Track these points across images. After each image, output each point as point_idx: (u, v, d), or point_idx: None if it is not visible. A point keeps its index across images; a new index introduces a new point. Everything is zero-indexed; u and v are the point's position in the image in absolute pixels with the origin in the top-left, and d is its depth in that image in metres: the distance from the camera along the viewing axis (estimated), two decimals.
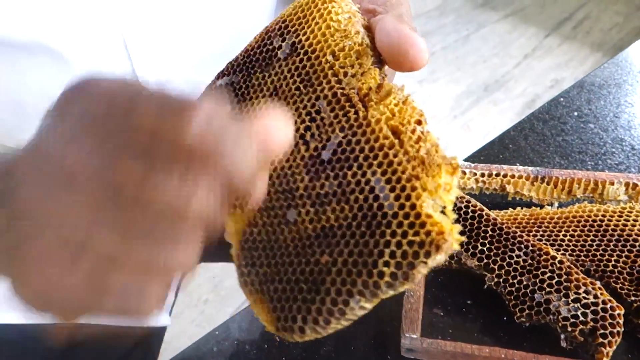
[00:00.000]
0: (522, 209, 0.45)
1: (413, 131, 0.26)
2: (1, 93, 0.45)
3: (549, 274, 0.38)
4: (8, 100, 0.45)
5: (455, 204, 0.43)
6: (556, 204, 0.46)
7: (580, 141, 0.53)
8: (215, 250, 0.66)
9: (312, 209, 0.27)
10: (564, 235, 0.42)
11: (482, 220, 0.41)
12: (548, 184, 0.46)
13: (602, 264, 0.40)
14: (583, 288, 0.37)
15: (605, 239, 0.41)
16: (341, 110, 0.28)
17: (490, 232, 0.41)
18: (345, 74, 0.29)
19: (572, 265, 0.38)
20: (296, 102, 0.30)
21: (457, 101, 1.91)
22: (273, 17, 0.60)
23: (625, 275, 0.39)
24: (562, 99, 0.58)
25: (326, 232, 0.26)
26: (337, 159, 0.27)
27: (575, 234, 0.42)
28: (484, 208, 0.42)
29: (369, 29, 0.31)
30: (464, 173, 0.47)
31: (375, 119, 0.27)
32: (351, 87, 0.29)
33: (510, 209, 0.45)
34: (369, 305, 0.25)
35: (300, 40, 0.31)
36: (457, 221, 0.40)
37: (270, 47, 0.32)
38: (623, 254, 0.40)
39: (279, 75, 0.31)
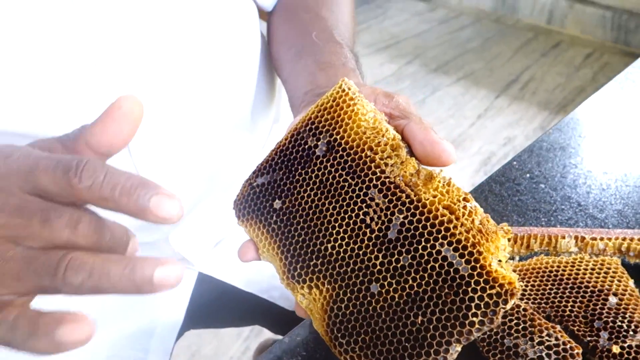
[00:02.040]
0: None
1: (464, 207, 0.32)
2: None
3: (515, 321, 0.43)
4: None
5: None
6: (517, 258, 0.52)
7: (534, 200, 0.60)
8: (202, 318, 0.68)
9: (392, 280, 0.33)
10: (526, 286, 0.48)
11: None
12: (509, 240, 0.52)
13: (560, 309, 0.45)
14: (546, 332, 0.42)
15: (561, 287, 0.47)
16: (393, 195, 0.34)
17: None
18: (387, 165, 0.35)
19: (535, 312, 0.44)
20: (348, 192, 0.35)
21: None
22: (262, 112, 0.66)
23: (580, 318, 0.45)
24: (515, 163, 0.65)
25: (413, 298, 0.32)
26: (403, 236, 0.33)
27: (535, 284, 0.48)
28: None
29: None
30: None
31: (430, 201, 0.33)
32: (395, 176, 0.34)
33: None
34: (460, 348, 0.31)
35: (336, 139, 0.36)
36: None
37: (306, 147, 0.37)
38: (577, 300, 0.46)
39: (322, 171, 0.36)
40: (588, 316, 0.45)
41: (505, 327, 0.43)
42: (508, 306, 0.30)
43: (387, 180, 0.34)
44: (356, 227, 0.35)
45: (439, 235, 0.32)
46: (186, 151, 0.56)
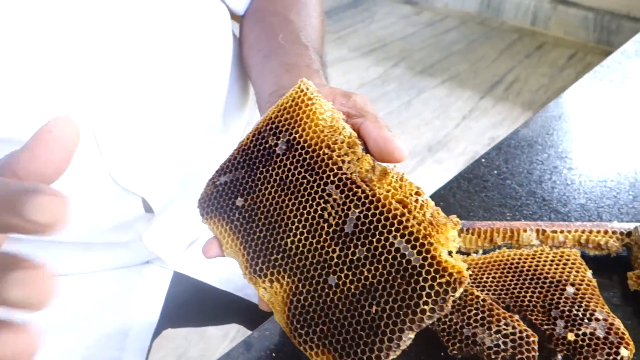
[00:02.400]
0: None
1: (416, 201, 0.34)
2: None
3: (474, 311, 0.44)
4: None
5: None
6: (480, 251, 0.53)
7: (500, 196, 0.61)
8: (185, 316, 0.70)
9: (349, 272, 0.34)
10: (487, 278, 0.49)
11: None
12: (472, 234, 0.53)
13: (519, 300, 0.47)
14: (503, 321, 0.43)
15: (521, 278, 0.48)
16: (349, 191, 0.35)
17: None
18: (343, 162, 0.36)
19: (494, 303, 0.45)
20: (307, 189, 0.36)
21: (403, 162, 2.02)
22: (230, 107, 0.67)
23: (538, 308, 0.46)
24: (483, 160, 0.67)
25: (368, 288, 0.33)
26: (359, 230, 0.34)
27: (497, 275, 0.49)
28: None
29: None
30: None
31: (384, 195, 0.34)
32: (352, 172, 0.36)
33: None
34: (413, 335, 0.33)
35: (295, 138, 0.38)
36: None
37: (267, 145, 0.39)
38: (536, 290, 0.47)
39: (282, 168, 0.38)
40: (546, 306, 0.46)
41: (465, 317, 0.44)
42: (457, 294, 0.31)
43: (344, 176, 0.36)
44: (314, 222, 0.36)
45: (392, 228, 0.33)
46: (159, 152, 0.57)
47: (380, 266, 0.33)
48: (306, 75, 0.51)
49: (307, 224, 0.36)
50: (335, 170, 0.36)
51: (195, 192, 0.63)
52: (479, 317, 0.44)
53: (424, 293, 0.32)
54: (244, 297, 0.67)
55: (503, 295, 0.47)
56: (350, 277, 0.34)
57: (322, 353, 0.35)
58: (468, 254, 0.53)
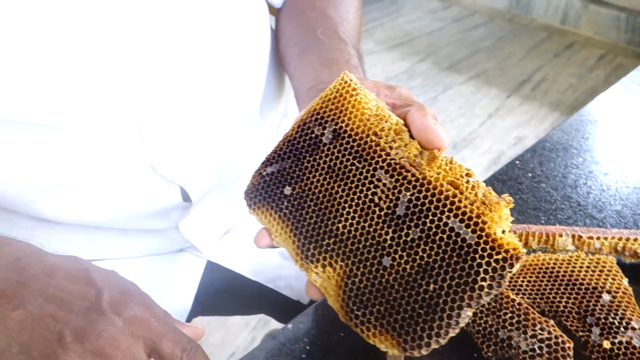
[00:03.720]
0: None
1: (467, 182, 0.35)
2: (19, 167, 0.51)
3: (510, 315, 0.44)
4: (25, 174, 0.51)
5: None
6: None
7: (535, 199, 0.61)
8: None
9: (404, 253, 0.35)
10: (522, 281, 0.49)
11: None
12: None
13: (554, 305, 0.47)
14: (539, 326, 0.43)
15: (556, 283, 0.48)
16: (399, 175, 0.36)
17: None
18: (391, 148, 0.37)
19: (530, 307, 0.45)
20: (356, 175, 0.37)
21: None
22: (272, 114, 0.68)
23: (573, 314, 0.46)
24: (517, 162, 0.67)
25: (424, 267, 0.34)
26: (412, 212, 0.35)
27: (532, 279, 0.49)
28: None
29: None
30: None
31: (434, 178, 0.35)
32: (400, 157, 0.36)
33: None
34: (471, 313, 0.33)
35: (341, 127, 0.38)
36: None
37: (313, 135, 0.39)
38: (571, 296, 0.47)
39: (330, 157, 0.38)
40: (581, 312, 0.46)
41: (500, 320, 0.44)
42: (514, 270, 0.32)
43: (393, 161, 0.36)
44: (365, 206, 0.37)
45: (445, 209, 0.34)
46: (198, 142, 0.58)
47: (435, 246, 0.34)
48: (346, 70, 0.52)
49: (358, 208, 0.37)
50: (384, 156, 0.37)
51: (231, 182, 0.64)
52: (514, 321, 0.44)
53: (481, 270, 0.32)
54: (274, 288, 0.68)
55: (538, 300, 0.48)
56: (405, 258, 0.35)
57: (379, 334, 0.35)
58: None
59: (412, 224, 0.35)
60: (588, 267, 0.49)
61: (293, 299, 0.69)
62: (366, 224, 0.37)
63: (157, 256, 0.64)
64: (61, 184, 0.53)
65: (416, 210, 0.35)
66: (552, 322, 0.44)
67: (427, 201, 0.35)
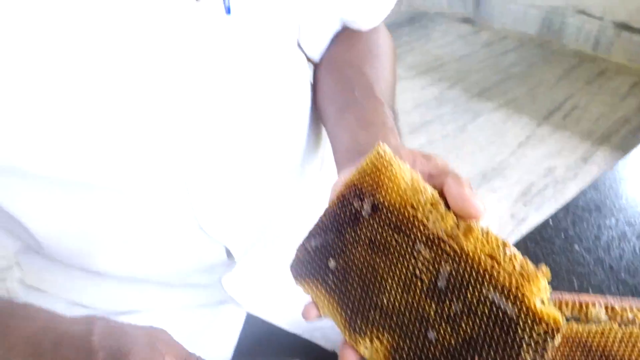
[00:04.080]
0: None
1: (505, 253, 0.35)
2: (75, 224, 0.54)
3: None
4: (80, 230, 0.55)
5: None
6: None
7: (567, 262, 0.62)
8: None
9: (447, 326, 0.36)
10: (556, 354, 0.50)
11: None
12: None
13: None
14: None
15: (589, 356, 0.50)
16: (438, 248, 0.37)
17: None
18: (428, 220, 0.37)
19: None
20: (396, 248, 0.38)
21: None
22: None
23: None
24: (550, 221, 0.68)
25: (469, 342, 0.35)
26: (452, 285, 0.36)
27: (565, 352, 0.51)
28: None
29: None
30: None
31: (472, 250, 0.36)
32: (437, 229, 0.37)
33: None
34: None
35: (379, 200, 0.39)
36: None
37: (352, 209, 0.40)
38: None
39: (370, 230, 0.39)
40: None
41: None
42: (556, 342, 0.33)
43: (431, 234, 0.37)
44: (407, 279, 0.37)
45: (485, 282, 0.35)
46: (243, 201, 0.61)
47: (477, 319, 0.35)
48: (382, 133, 0.53)
49: (401, 282, 0.38)
50: (422, 229, 0.37)
51: (273, 238, 0.67)
52: None
53: (524, 343, 0.33)
54: (309, 339, 0.70)
55: None
56: (449, 331, 0.36)
57: None
58: None
59: (454, 297, 0.36)
60: (621, 340, 0.50)
61: (328, 349, 0.71)
62: (409, 297, 0.37)
63: (199, 308, 0.67)
64: (113, 240, 0.57)
65: (457, 283, 0.36)
66: None
67: (466, 274, 0.35)
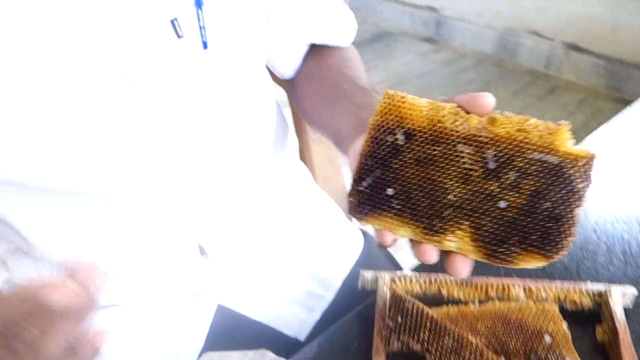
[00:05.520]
0: (452, 306, 0.63)
1: (529, 124, 0.43)
2: (68, 228, 0.62)
3: (469, 354, 0.55)
4: (73, 234, 0.62)
5: (404, 305, 0.60)
6: (477, 302, 0.64)
7: None
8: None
9: (512, 192, 0.43)
10: (480, 326, 0.60)
11: (423, 316, 0.59)
12: (471, 288, 0.64)
13: (504, 345, 0.57)
14: None
15: (508, 327, 0.59)
16: (475, 142, 0.44)
17: (429, 325, 0.58)
18: (457, 126, 0.44)
19: (485, 347, 0.56)
20: (442, 157, 0.45)
21: None
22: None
23: (521, 353, 0.57)
24: None
25: (534, 194, 0.43)
26: (501, 162, 0.43)
27: (489, 324, 0.60)
28: (425, 307, 0.60)
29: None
30: (411, 280, 0.65)
31: (504, 132, 0.43)
32: (468, 129, 0.44)
33: (444, 307, 0.63)
34: (580, 211, 0.42)
35: (410, 127, 0.45)
36: (404, 317, 0.58)
37: (388, 143, 0.46)
38: (519, 338, 0.58)
39: (413, 152, 0.45)
40: (527, 351, 0.57)
41: (460, 358, 0.55)
42: (594, 164, 0.41)
43: (464, 135, 0.44)
44: (463, 175, 0.44)
45: (525, 148, 0.42)
46: (214, 198, 0.68)
47: (532, 177, 0.42)
48: None
49: (459, 179, 0.44)
50: (456, 134, 0.44)
51: (241, 237, 0.75)
52: (472, 359, 0.55)
53: (573, 177, 0.41)
54: (274, 327, 0.78)
55: (493, 341, 0.58)
56: (516, 195, 0.43)
57: (525, 256, 0.44)
58: (466, 304, 0.64)
59: (507, 170, 0.43)
60: (535, 314, 0.60)
61: (291, 336, 0.79)
62: (472, 186, 0.44)
63: (173, 301, 0.75)
64: (98, 240, 0.64)
65: (504, 159, 0.43)
66: (502, 359, 0.55)
67: (508, 149, 0.42)
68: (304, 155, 0.99)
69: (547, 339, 0.57)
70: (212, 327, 0.75)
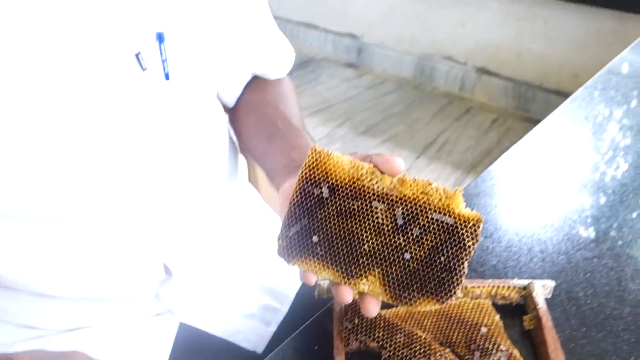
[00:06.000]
0: (401, 306, 0.71)
1: (432, 188, 0.50)
2: (29, 254, 0.64)
3: (418, 347, 0.62)
4: (34, 259, 0.64)
5: (359, 307, 0.67)
6: None
7: None
8: None
9: (415, 245, 0.50)
10: (427, 322, 0.67)
11: (377, 317, 0.66)
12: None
13: (448, 337, 0.65)
14: (439, 353, 0.62)
15: (450, 322, 0.67)
16: (387, 200, 0.50)
17: (382, 324, 0.65)
18: (372, 184, 0.51)
19: (432, 340, 0.63)
20: (359, 210, 0.51)
21: None
22: None
23: (462, 343, 0.65)
24: None
25: (432, 249, 0.50)
26: (408, 219, 0.50)
27: (434, 320, 0.67)
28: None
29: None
30: None
31: (411, 193, 0.50)
32: (382, 188, 0.50)
33: (394, 308, 0.70)
34: (467, 265, 0.50)
35: (333, 182, 0.51)
36: (360, 318, 0.65)
37: (314, 195, 0.52)
38: (460, 331, 0.66)
39: (335, 205, 0.51)
40: (467, 341, 0.65)
41: (412, 351, 0.62)
42: (481, 228, 0.49)
43: (379, 193, 0.50)
44: (376, 228, 0.51)
45: (427, 209, 0.50)
46: (177, 221, 0.72)
47: (432, 233, 0.50)
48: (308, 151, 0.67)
49: (372, 231, 0.51)
50: (372, 191, 0.51)
51: (201, 254, 0.79)
52: (422, 351, 0.62)
53: (464, 236, 0.49)
54: (234, 342, 0.82)
55: (438, 335, 0.66)
56: (419, 248, 0.50)
57: (423, 300, 0.51)
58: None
59: (412, 226, 0.50)
60: (471, 308, 0.68)
61: (249, 349, 0.84)
62: (383, 239, 0.51)
63: (137, 320, 0.77)
64: (62, 265, 0.67)
65: (410, 217, 0.50)
66: (448, 350, 0.63)
67: (413, 209, 0.50)
68: (251, 177, 1.04)
69: (484, 329, 0.66)
70: (174, 346, 0.78)
